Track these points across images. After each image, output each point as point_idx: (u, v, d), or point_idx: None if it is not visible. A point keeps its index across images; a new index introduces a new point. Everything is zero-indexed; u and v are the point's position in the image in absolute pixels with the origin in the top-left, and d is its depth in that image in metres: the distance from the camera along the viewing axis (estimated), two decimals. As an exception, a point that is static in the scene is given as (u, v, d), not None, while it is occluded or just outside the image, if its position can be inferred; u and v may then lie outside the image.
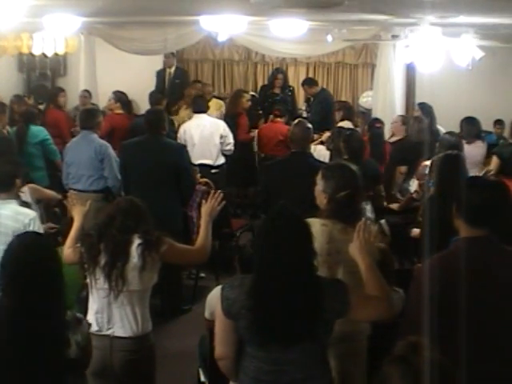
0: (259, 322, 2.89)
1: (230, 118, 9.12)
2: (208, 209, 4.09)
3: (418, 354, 2.24)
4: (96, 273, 3.79)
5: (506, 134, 7.12)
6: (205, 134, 8.15)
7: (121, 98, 9.28)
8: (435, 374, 2.20)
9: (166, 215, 4.59)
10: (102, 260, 3.77)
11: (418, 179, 7.19)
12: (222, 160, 8.37)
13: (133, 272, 3.77)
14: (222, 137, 8.21)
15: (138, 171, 6.33)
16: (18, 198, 5.07)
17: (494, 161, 6.41)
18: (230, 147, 8.32)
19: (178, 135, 8.32)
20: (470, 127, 7.50)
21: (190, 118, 9.09)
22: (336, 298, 2.92)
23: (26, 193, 5.95)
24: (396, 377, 2.24)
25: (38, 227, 4.73)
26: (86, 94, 9.98)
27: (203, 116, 8.32)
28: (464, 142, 7.36)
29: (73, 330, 2.86)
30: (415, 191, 6.98)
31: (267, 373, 2.95)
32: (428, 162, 7.26)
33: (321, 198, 3.77)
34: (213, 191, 4.23)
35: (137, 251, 3.76)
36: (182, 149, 6.68)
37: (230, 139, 8.31)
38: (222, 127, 8.28)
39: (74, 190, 6.66)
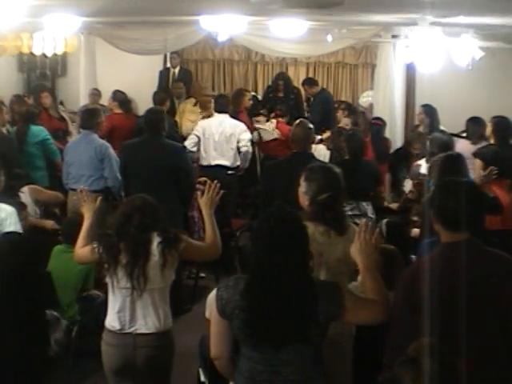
0: (252, 323, 2.89)
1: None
2: (207, 201, 4.07)
3: (430, 356, 2.22)
4: (117, 272, 3.82)
5: (487, 134, 7.00)
6: (225, 135, 8.05)
7: (118, 97, 9.27)
8: (447, 376, 2.19)
9: (167, 216, 4.59)
10: (124, 259, 3.80)
11: (411, 179, 7.18)
12: (238, 162, 8.21)
13: (154, 270, 3.82)
14: (239, 140, 8.07)
15: (138, 172, 6.32)
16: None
17: (478, 163, 6.31)
18: (244, 143, 8.10)
19: (195, 132, 8.21)
20: (476, 127, 7.45)
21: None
22: (330, 300, 2.91)
23: (25, 193, 5.95)
24: (407, 379, 2.23)
25: (14, 222, 4.73)
26: (96, 92, 9.97)
27: (225, 116, 8.19)
28: (469, 142, 7.34)
29: (53, 328, 2.83)
30: (410, 191, 6.96)
31: (261, 373, 2.95)
32: (421, 162, 7.27)
33: (303, 200, 3.78)
34: (209, 182, 4.19)
35: (157, 249, 3.81)
36: (182, 149, 6.67)
37: (245, 137, 8.11)
38: (240, 129, 8.12)
39: (74, 189, 6.65)
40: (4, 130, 7.86)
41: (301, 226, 3.00)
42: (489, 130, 6.83)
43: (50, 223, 5.95)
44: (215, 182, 4.17)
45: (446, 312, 2.78)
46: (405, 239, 4.97)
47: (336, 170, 3.86)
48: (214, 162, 8.00)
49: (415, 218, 6.10)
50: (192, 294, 6.81)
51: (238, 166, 8.19)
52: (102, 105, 9.53)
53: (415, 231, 5.56)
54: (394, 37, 9.17)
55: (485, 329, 2.89)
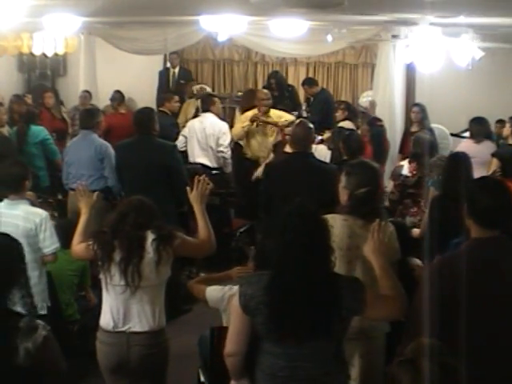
0: (276, 318, 2.91)
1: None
2: (197, 196, 4.06)
3: (429, 357, 2.22)
4: (111, 269, 3.82)
5: (504, 134, 7.09)
6: (206, 134, 8.06)
7: (111, 96, 9.24)
8: (446, 378, 2.18)
9: (161, 215, 4.60)
10: (117, 256, 3.80)
11: (393, 180, 7.17)
12: (219, 163, 8.14)
13: (149, 267, 3.81)
14: (218, 139, 8.03)
15: (131, 172, 6.33)
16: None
17: (494, 162, 6.40)
18: (222, 149, 8.05)
19: (183, 132, 8.30)
20: (479, 127, 7.49)
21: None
22: (352, 295, 2.94)
23: None
24: (405, 379, 2.22)
25: (49, 226, 4.75)
26: (86, 95, 9.96)
27: (208, 115, 8.20)
28: (473, 141, 7.38)
29: (24, 337, 2.76)
30: (391, 192, 6.96)
31: (283, 368, 2.96)
32: (403, 163, 7.27)
33: (342, 194, 3.86)
34: (197, 177, 4.17)
35: (152, 246, 3.81)
36: (174, 149, 6.63)
37: (223, 141, 8.04)
38: (219, 129, 8.07)
39: (74, 189, 6.63)
40: (4, 131, 7.86)
41: (321, 222, 3.04)
42: (507, 130, 6.87)
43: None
44: (203, 176, 4.16)
45: (474, 306, 2.80)
46: (406, 240, 4.97)
47: (374, 165, 3.94)
48: (197, 160, 8.01)
49: (399, 219, 6.11)
50: (192, 294, 6.79)
51: (221, 167, 8.16)
52: (92, 104, 9.52)
53: (415, 231, 5.56)
54: (394, 37, 9.16)
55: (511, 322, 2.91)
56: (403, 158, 7.96)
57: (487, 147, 7.35)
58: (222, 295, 4.13)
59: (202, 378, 4.31)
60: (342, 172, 3.96)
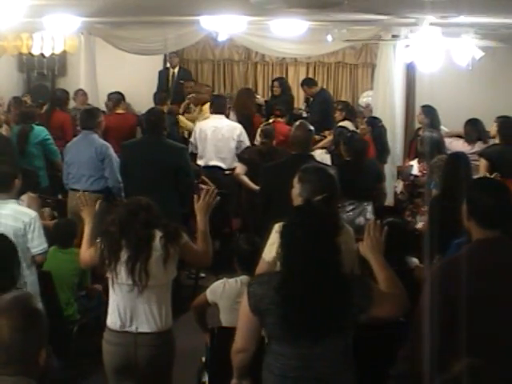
0: (288, 317, 2.90)
1: (245, 119, 8.89)
2: (203, 206, 4.04)
3: (474, 378, 2.20)
4: (118, 268, 3.80)
5: (492, 134, 7.04)
6: (220, 137, 7.97)
7: (108, 97, 9.25)
8: None
9: (165, 216, 4.59)
10: (125, 255, 3.79)
11: (403, 180, 7.18)
12: (235, 163, 7.99)
13: (156, 265, 3.79)
14: (237, 141, 7.96)
15: (138, 172, 6.31)
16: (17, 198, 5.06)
17: (483, 163, 6.36)
18: (248, 144, 7.99)
19: (193, 134, 8.26)
20: (472, 128, 7.48)
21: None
22: (362, 292, 2.95)
23: (24, 202, 5.96)
24: None
25: (38, 226, 4.75)
26: (85, 93, 9.94)
27: (221, 117, 8.13)
28: (466, 143, 7.36)
29: None
30: (401, 192, 6.96)
31: (294, 369, 2.95)
32: (413, 162, 7.29)
33: (297, 202, 3.78)
34: (206, 188, 4.17)
35: (160, 243, 3.80)
36: (183, 149, 6.64)
37: (246, 143, 7.99)
38: (239, 131, 8.02)
39: (74, 189, 6.63)
40: (3, 131, 7.86)
41: (331, 221, 3.04)
42: (494, 129, 6.86)
43: (51, 223, 5.96)
44: (212, 188, 4.15)
45: (480, 309, 2.79)
46: (405, 239, 4.97)
47: (330, 171, 3.89)
48: (211, 163, 7.98)
49: (409, 219, 6.12)
50: (192, 294, 6.80)
51: (234, 168, 8.04)
52: (88, 104, 9.51)
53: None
54: (394, 37, 9.16)
55: None
56: (410, 160, 7.96)
57: (480, 148, 7.33)
58: (223, 286, 4.27)
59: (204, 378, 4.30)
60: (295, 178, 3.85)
